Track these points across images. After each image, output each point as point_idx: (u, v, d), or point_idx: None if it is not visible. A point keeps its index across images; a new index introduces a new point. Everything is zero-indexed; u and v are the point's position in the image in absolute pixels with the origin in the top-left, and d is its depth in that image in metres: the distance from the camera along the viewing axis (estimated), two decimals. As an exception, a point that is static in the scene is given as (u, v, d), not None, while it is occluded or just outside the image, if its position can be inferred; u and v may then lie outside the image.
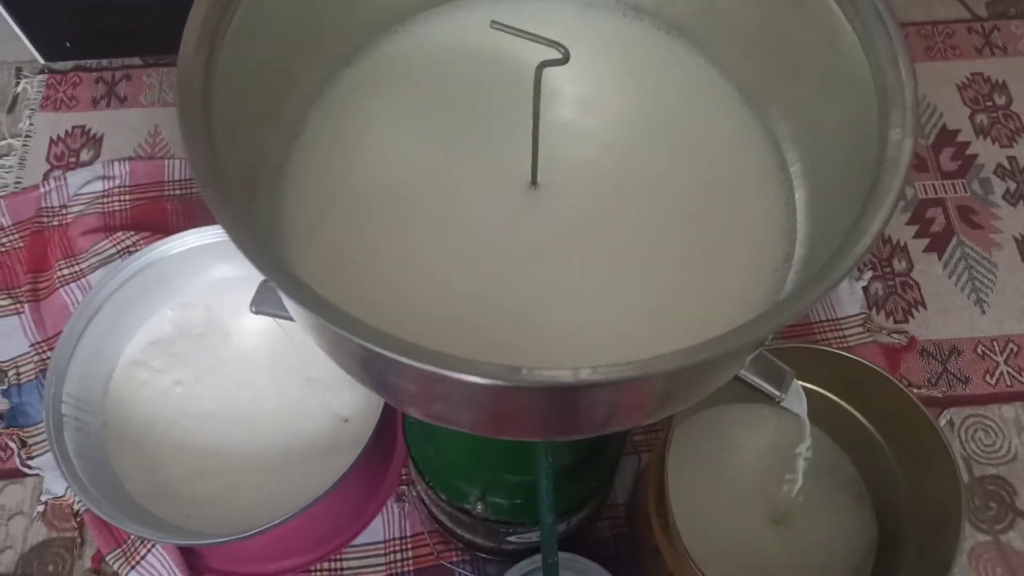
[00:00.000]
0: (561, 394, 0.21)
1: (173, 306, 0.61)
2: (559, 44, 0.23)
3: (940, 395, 0.68)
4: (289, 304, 0.25)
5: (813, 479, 0.56)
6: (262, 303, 0.39)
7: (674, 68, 0.32)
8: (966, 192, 0.78)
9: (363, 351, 0.22)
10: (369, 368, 0.26)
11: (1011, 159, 0.80)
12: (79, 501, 0.62)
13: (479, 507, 0.51)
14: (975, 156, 0.80)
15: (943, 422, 0.67)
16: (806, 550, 0.54)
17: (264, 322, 0.61)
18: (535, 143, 0.27)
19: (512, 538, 0.55)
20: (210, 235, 0.58)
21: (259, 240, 0.24)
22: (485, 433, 0.25)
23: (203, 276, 0.61)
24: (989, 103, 0.83)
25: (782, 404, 0.38)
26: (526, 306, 0.26)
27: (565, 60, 0.24)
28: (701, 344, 0.19)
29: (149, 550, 0.60)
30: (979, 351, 0.70)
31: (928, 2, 0.89)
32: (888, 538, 0.53)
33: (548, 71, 0.26)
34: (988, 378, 0.69)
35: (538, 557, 0.56)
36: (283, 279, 0.23)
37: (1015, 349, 0.70)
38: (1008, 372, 0.69)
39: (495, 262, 0.27)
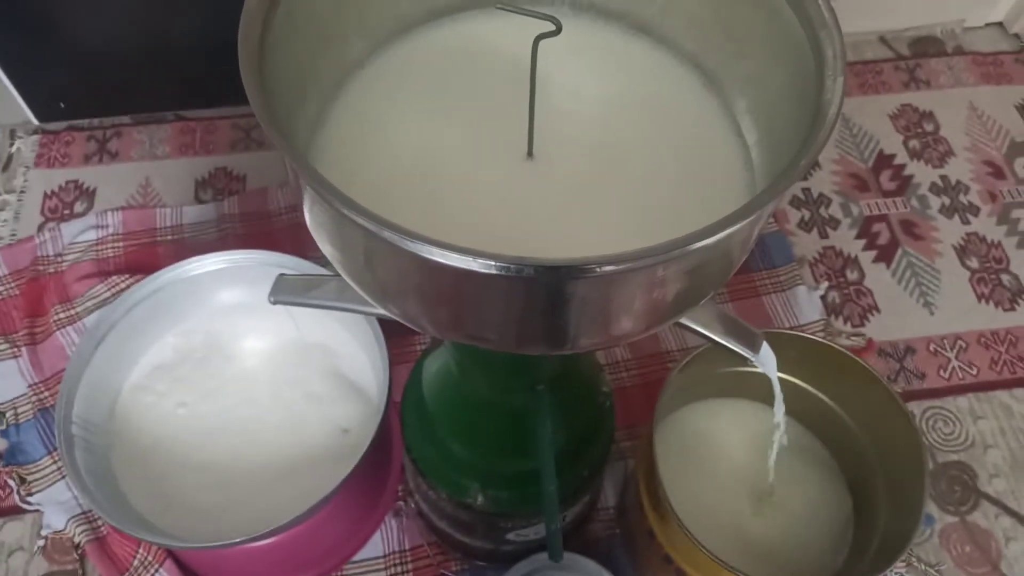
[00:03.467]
0: (582, 285, 0.25)
1: (175, 333, 0.63)
2: (553, 17, 0.28)
3: (900, 391, 0.73)
4: (322, 210, 0.27)
5: (788, 461, 0.60)
6: (279, 292, 0.43)
7: (642, 61, 0.38)
8: (906, 208, 0.85)
9: (380, 243, 0.25)
10: (383, 269, 0.28)
11: (943, 177, 0.87)
12: (81, 532, 0.63)
13: (479, 499, 0.53)
14: (911, 176, 0.88)
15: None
16: (790, 525, 0.57)
17: (264, 344, 0.64)
18: (531, 114, 0.32)
19: (511, 535, 0.57)
20: (211, 262, 0.62)
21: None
22: (500, 343, 0.28)
23: (203, 303, 0.64)
24: (919, 130, 0.91)
25: (754, 362, 0.42)
26: (530, 241, 0.31)
27: (558, 31, 0.29)
28: (721, 220, 0.24)
29: (152, 575, 0.61)
30: (931, 349, 0.76)
31: (858, 46, 0.98)
32: (863, 505, 0.57)
33: (540, 67, 0.31)
34: (942, 373, 0.75)
35: (535, 558, 0.58)
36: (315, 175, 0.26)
37: (964, 346, 0.76)
38: (959, 366, 0.75)
39: (503, 214, 0.31)
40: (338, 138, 0.34)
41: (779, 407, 0.48)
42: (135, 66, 0.84)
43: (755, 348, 0.42)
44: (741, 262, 0.31)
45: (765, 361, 0.43)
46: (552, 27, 0.28)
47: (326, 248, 0.30)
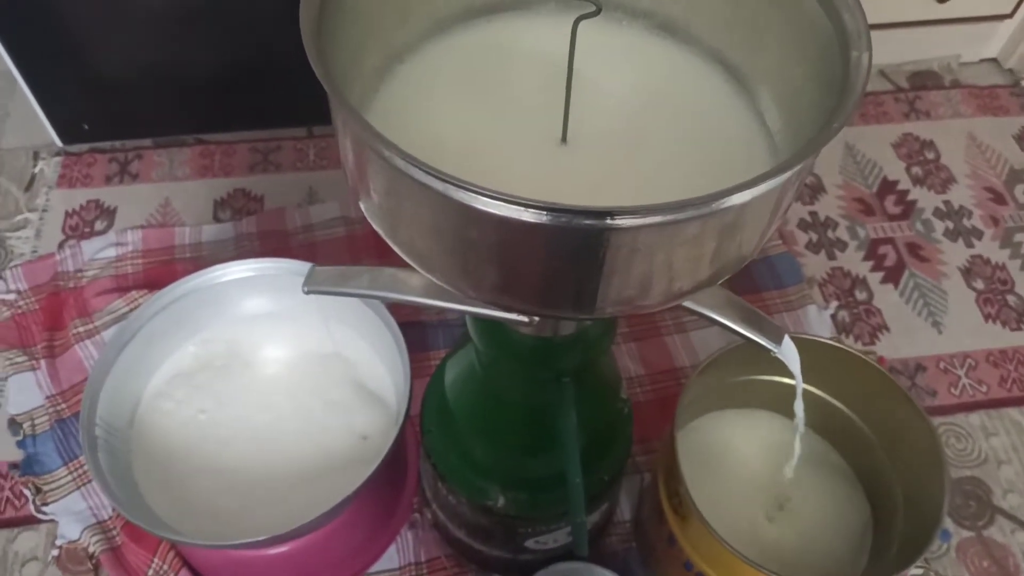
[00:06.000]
0: (619, 236, 0.26)
1: (195, 342, 0.64)
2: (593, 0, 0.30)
3: (912, 407, 0.74)
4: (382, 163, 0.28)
5: (803, 469, 0.60)
6: (314, 282, 0.44)
7: (666, 57, 0.40)
8: (911, 231, 0.87)
9: (433, 195, 0.26)
10: (430, 223, 0.29)
11: (946, 203, 0.89)
12: (96, 542, 0.63)
13: (500, 501, 0.53)
14: (915, 201, 0.90)
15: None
16: (807, 532, 0.57)
17: (284, 352, 0.65)
18: (568, 95, 0.33)
19: (530, 543, 0.57)
20: (235, 270, 0.63)
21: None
22: (530, 301, 0.29)
23: (225, 312, 0.65)
24: (921, 157, 0.94)
25: (776, 354, 0.43)
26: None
27: (598, 11, 0.30)
28: (760, 175, 0.25)
29: (168, 584, 0.60)
30: (941, 367, 0.77)
31: (857, 79, 1.01)
32: (881, 512, 0.57)
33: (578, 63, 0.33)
34: (952, 390, 0.75)
35: (553, 568, 0.58)
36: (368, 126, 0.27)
37: (973, 364, 0.77)
38: (969, 384, 0.76)
39: (538, 195, 0.33)
40: (379, 125, 0.36)
41: (799, 403, 0.49)
42: (157, 91, 0.87)
43: (778, 340, 0.43)
44: (771, 230, 0.32)
45: (787, 353, 0.44)
46: (592, 7, 0.30)
47: (373, 198, 0.31)
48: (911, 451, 0.54)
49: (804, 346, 0.57)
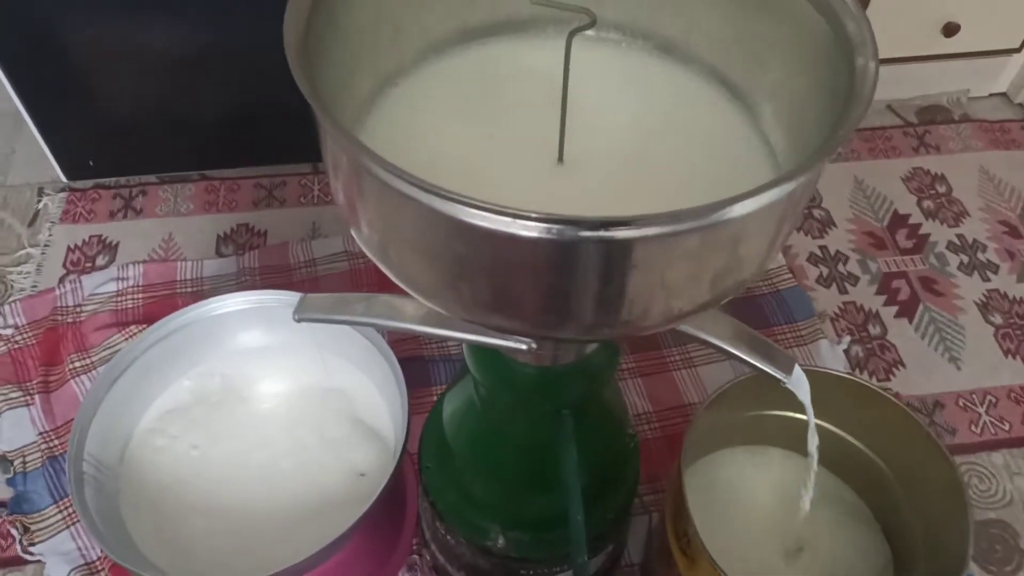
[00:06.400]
0: (617, 248, 0.25)
1: (191, 376, 0.63)
2: (587, 10, 0.29)
3: (931, 445, 0.71)
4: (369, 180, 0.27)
5: (819, 509, 0.58)
6: (305, 310, 0.42)
7: (666, 78, 0.39)
8: (924, 265, 0.85)
9: (423, 209, 0.25)
10: (422, 239, 0.28)
11: (960, 236, 0.88)
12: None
13: (500, 542, 0.51)
14: (928, 235, 0.88)
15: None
16: (825, 575, 0.54)
17: (280, 387, 0.63)
18: (563, 112, 0.32)
19: (531, 586, 0.55)
20: (233, 302, 0.61)
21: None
22: (524, 319, 0.28)
23: (222, 345, 0.63)
24: (932, 191, 0.92)
25: (786, 384, 0.41)
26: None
27: (593, 23, 0.29)
28: (765, 184, 0.23)
29: (155, 628, 0.58)
30: (960, 404, 0.74)
31: (870, 113, 1.00)
32: (902, 554, 0.54)
33: (567, 87, 0.32)
34: (973, 428, 0.72)
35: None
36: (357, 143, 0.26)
37: (994, 400, 0.74)
38: (991, 422, 0.73)
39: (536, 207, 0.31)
40: (373, 146, 0.35)
41: (812, 435, 0.47)
42: (163, 129, 0.87)
43: (787, 370, 0.41)
44: (775, 250, 0.30)
45: (798, 384, 0.42)
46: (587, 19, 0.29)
47: (364, 229, 0.30)
48: (931, 491, 0.51)
49: (816, 379, 0.55)
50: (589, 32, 0.40)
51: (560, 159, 0.35)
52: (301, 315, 0.42)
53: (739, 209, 0.24)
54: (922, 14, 0.93)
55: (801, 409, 0.56)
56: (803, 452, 0.60)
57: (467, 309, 0.30)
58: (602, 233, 0.24)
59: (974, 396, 0.74)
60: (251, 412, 0.62)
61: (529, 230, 0.24)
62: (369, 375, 0.63)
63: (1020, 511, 0.68)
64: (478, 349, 0.43)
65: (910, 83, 1.02)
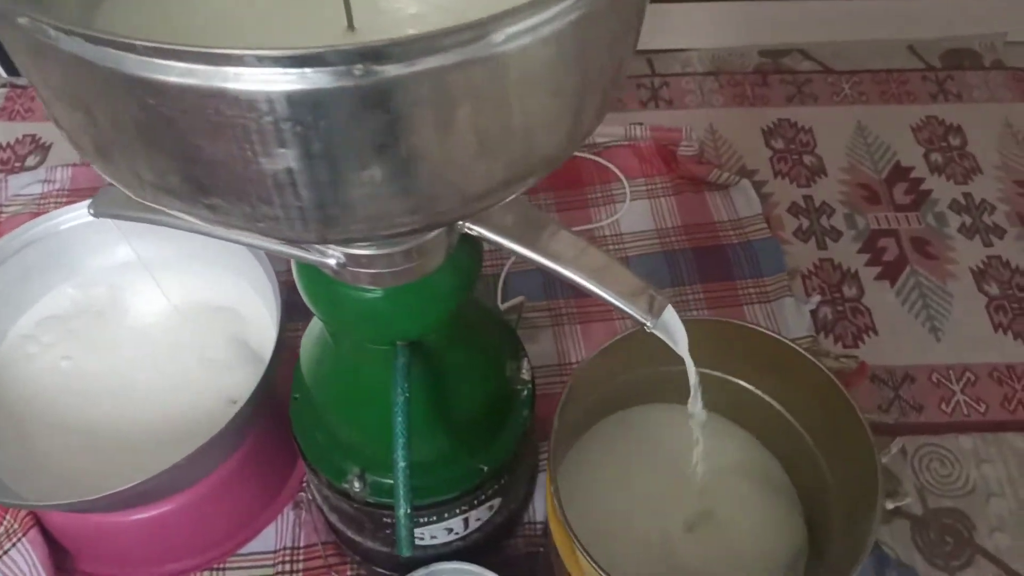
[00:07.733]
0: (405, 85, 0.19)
1: (75, 284, 0.59)
2: None
3: (892, 422, 0.64)
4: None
5: (737, 480, 0.51)
6: (102, 204, 0.37)
7: None
8: (920, 224, 0.76)
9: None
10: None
11: (966, 195, 0.78)
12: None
13: (357, 485, 0.46)
14: (929, 191, 0.78)
15: (894, 450, 0.62)
16: (729, 550, 0.48)
17: (164, 304, 0.59)
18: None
19: (402, 536, 0.50)
20: (116, 207, 0.57)
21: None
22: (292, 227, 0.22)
23: (113, 254, 0.59)
24: (944, 144, 0.82)
25: (651, 329, 0.35)
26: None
27: None
28: None
29: (14, 544, 0.55)
30: (934, 379, 0.66)
31: (887, 53, 0.90)
32: (820, 537, 0.48)
33: None
34: (944, 407, 0.65)
35: (437, 568, 0.51)
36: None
37: (972, 378, 0.66)
38: (965, 401, 0.65)
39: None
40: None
41: (695, 395, 0.40)
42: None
43: (657, 313, 0.35)
44: (578, 115, 0.23)
45: (666, 329, 0.35)
46: None
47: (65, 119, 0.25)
48: (851, 469, 0.45)
49: (736, 332, 0.48)
50: None
51: (351, 25, 0.28)
52: (98, 210, 0.37)
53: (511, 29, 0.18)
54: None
55: (719, 358, 0.50)
56: (728, 414, 0.54)
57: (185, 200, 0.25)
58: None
59: (951, 372, 0.66)
60: (134, 327, 0.58)
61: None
62: (263, 298, 0.58)
63: (982, 502, 0.60)
64: (304, 269, 0.38)
65: (937, 21, 0.90)
